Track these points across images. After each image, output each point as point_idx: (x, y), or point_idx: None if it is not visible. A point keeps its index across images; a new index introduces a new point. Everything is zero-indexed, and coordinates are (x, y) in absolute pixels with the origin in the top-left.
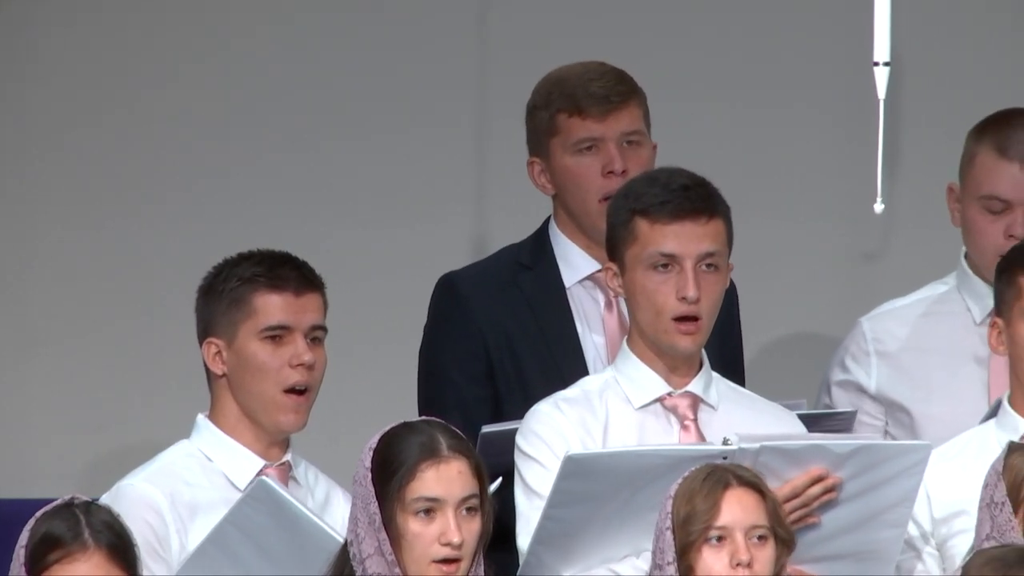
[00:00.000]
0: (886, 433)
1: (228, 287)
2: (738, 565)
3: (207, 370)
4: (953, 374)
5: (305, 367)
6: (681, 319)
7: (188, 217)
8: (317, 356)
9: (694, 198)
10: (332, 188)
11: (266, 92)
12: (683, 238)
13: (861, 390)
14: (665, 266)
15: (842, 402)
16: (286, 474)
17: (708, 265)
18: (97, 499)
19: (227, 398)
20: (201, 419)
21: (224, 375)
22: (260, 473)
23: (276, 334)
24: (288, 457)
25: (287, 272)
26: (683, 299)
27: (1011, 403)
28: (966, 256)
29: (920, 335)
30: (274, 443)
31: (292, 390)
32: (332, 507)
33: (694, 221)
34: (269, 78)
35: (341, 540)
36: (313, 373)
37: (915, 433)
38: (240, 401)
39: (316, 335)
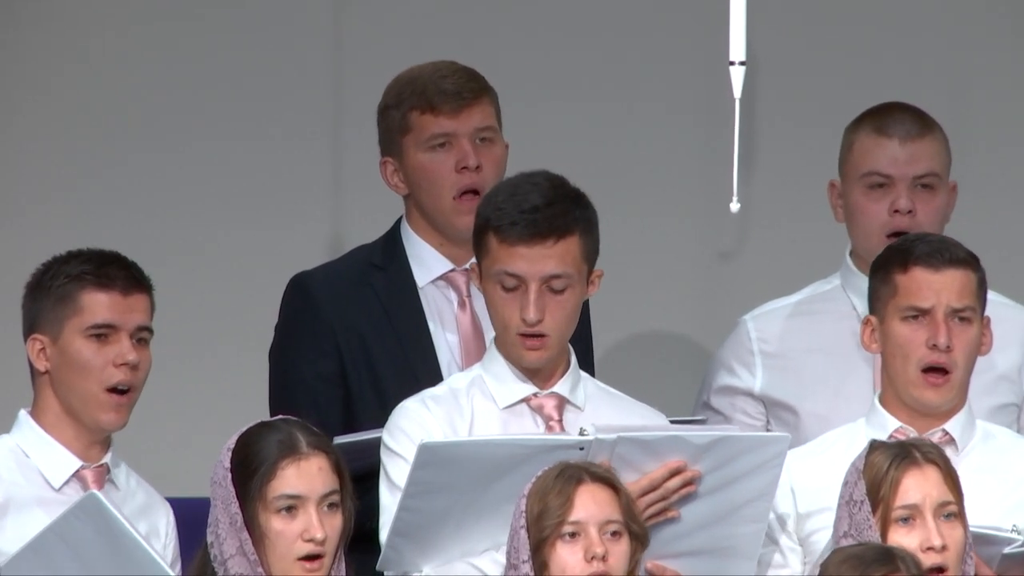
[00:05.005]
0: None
1: (55, 284)
2: (593, 558)
3: (31, 366)
4: (839, 372)
5: (129, 367)
6: (527, 336)
7: (32, 215)
8: (142, 356)
9: (541, 220)
10: (185, 187)
11: (119, 90)
12: (528, 260)
13: (741, 392)
14: (512, 285)
15: (722, 406)
16: (103, 476)
17: (554, 287)
18: None
19: (49, 395)
20: (22, 415)
21: (47, 372)
22: (76, 473)
23: (101, 332)
24: (107, 459)
25: (115, 271)
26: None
27: (882, 402)
28: (851, 253)
29: (805, 334)
30: (94, 443)
31: (115, 389)
32: (152, 516)
33: (541, 243)
34: (123, 76)
35: (163, 564)
36: (137, 373)
37: (801, 432)
38: (62, 398)
39: (142, 336)
